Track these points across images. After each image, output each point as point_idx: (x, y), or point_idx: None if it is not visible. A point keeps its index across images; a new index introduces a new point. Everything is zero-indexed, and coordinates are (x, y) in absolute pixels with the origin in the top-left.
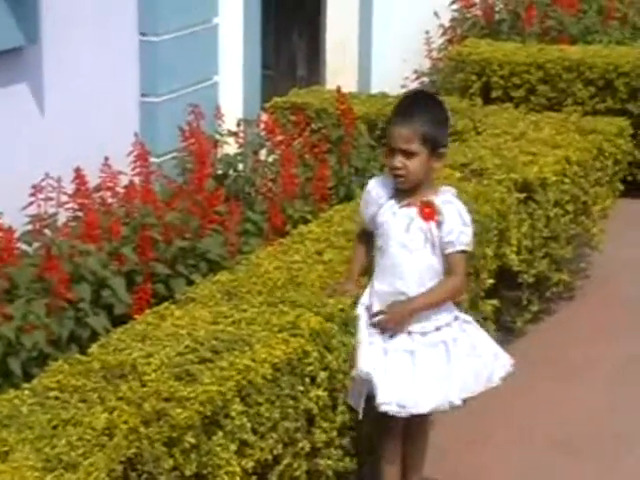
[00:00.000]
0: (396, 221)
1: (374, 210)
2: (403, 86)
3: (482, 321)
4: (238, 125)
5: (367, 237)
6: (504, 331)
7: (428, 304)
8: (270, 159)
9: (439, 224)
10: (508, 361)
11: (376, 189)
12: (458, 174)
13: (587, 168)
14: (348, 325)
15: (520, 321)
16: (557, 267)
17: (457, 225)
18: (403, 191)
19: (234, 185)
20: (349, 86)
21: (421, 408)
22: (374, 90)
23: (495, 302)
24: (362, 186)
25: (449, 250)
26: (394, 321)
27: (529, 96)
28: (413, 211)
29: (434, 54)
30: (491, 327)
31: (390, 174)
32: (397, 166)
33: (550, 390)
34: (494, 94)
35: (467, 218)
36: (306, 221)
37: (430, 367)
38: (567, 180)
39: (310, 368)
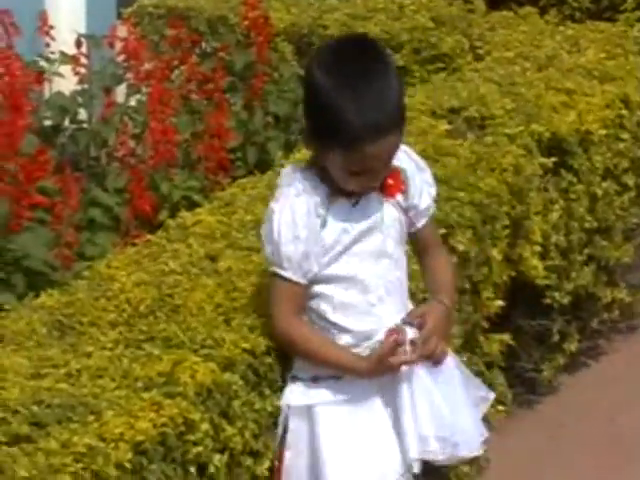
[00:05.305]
0: (358, 227)
1: (315, 241)
2: None
3: (484, 368)
4: (78, 45)
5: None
6: (521, 385)
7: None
8: (132, 102)
9: (404, 192)
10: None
11: (310, 201)
12: (444, 126)
13: None
14: (261, 377)
15: (548, 369)
16: (609, 280)
17: (420, 179)
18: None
19: (71, 145)
20: None
21: None
22: None
23: (507, 337)
24: (287, 146)
25: (426, 219)
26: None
27: None
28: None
29: None
30: (499, 379)
31: (349, 188)
32: (373, 186)
33: None
34: None
35: (417, 156)
36: (192, 204)
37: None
38: (625, 135)
39: (197, 450)
